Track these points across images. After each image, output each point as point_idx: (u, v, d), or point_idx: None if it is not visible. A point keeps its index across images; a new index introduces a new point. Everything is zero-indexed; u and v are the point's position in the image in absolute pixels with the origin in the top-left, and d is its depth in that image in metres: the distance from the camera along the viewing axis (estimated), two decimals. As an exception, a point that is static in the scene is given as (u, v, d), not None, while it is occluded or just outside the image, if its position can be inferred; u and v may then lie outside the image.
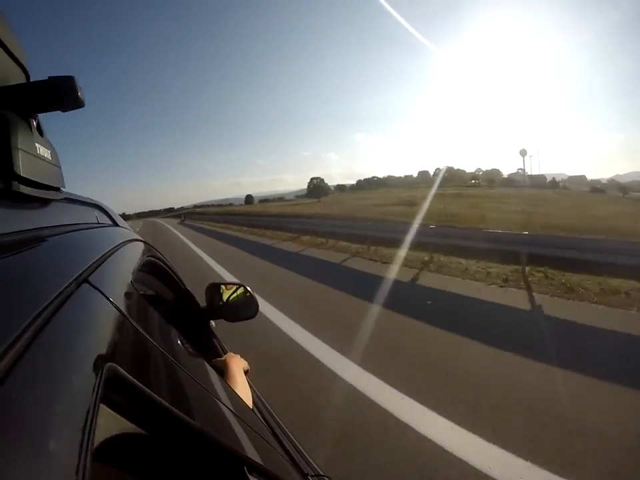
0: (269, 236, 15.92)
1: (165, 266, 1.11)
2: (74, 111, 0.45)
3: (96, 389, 0.25)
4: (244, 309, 1.35)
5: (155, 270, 1.04)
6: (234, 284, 1.39)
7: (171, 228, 32.26)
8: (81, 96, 0.43)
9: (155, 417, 0.34)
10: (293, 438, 1.06)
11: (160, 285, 1.16)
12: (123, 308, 0.40)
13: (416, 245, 8.76)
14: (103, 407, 0.27)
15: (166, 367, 0.44)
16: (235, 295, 1.36)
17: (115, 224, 0.95)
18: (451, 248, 7.97)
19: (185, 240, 18.32)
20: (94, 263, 0.43)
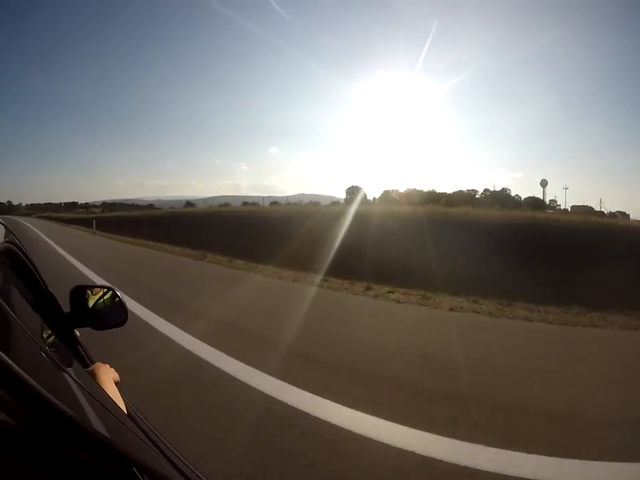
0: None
1: (26, 260, 1.00)
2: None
3: None
4: (112, 315, 1.26)
5: (12, 264, 0.94)
6: (102, 287, 1.29)
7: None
8: None
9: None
10: (175, 451, 0.99)
11: (18, 282, 1.02)
12: None
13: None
14: None
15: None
16: (102, 300, 1.26)
17: None
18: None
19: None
20: None
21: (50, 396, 0.34)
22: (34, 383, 0.32)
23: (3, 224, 0.91)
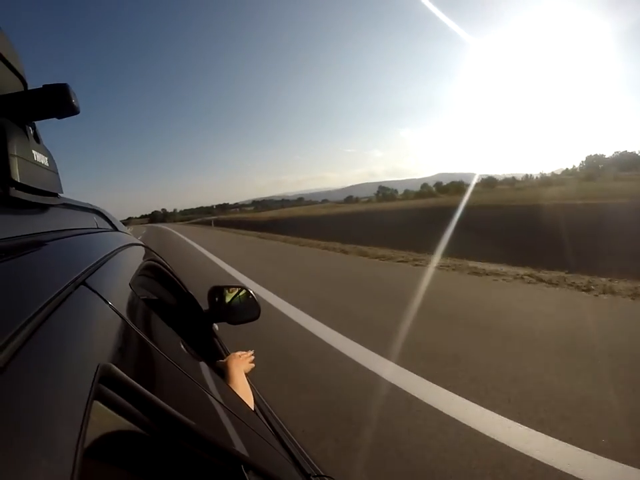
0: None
1: (166, 270, 1.15)
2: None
3: (90, 387, 0.25)
4: (246, 311, 1.36)
5: (156, 274, 1.08)
6: (236, 286, 1.41)
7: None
8: (75, 103, 0.44)
9: (152, 416, 0.33)
10: (294, 438, 1.06)
11: (162, 289, 1.20)
12: (120, 310, 0.40)
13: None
14: (99, 405, 0.27)
15: (163, 368, 0.44)
16: (237, 297, 1.38)
17: (115, 229, 0.98)
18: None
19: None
20: (91, 266, 0.44)
21: (165, 404, 0.34)
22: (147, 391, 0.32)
23: (144, 246, 1.03)
